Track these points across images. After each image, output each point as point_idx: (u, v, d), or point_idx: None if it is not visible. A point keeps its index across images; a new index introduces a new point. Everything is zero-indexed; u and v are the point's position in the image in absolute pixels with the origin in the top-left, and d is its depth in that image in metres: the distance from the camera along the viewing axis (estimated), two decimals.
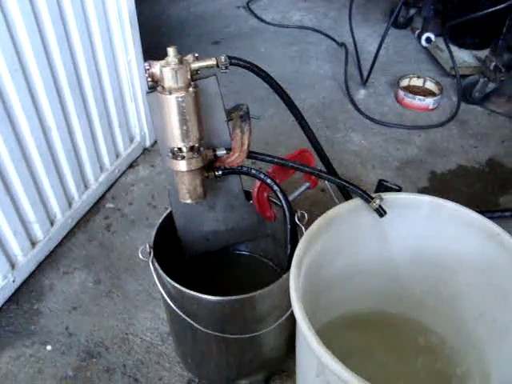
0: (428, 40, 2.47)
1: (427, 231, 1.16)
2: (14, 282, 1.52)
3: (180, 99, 0.93)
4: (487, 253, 1.07)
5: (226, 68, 0.98)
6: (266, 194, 1.18)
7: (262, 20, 3.12)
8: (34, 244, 1.59)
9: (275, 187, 1.10)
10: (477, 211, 1.09)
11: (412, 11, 2.87)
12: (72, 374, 1.37)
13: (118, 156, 1.94)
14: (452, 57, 2.40)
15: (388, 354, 1.26)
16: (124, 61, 1.80)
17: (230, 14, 3.21)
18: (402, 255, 1.22)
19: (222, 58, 0.97)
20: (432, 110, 2.34)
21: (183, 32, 3.01)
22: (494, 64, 2.20)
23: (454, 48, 2.51)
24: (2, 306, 1.51)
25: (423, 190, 1.89)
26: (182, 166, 0.99)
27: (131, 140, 2.01)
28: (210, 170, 1.08)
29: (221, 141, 1.09)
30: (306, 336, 0.83)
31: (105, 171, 1.88)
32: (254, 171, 1.10)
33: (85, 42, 1.59)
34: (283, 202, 1.11)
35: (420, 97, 2.32)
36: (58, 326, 1.48)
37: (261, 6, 3.30)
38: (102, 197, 1.88)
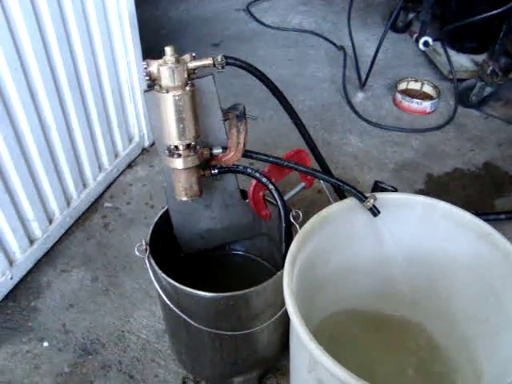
0: (426, 44, 2.48)
1: (421, 231, 1.17)
2: (11, 279, 1.53)
3: (177, 98, 0.94)
4: (480, 253, 1.08)
5: (223, 67, 1.00)
6: (261, 193, 1.19)
7: (262, 23, 3.13)
8: (32, 242, 1.61)
9: (270, 186, 1.12)
10: (472, 213, 1.10)
11: (411, 15, 2.89)
12: (68, 371, 1.38)
13: (116, 156, 1.96)
14: (449, 61, 2.41)
15: (380, 352, 1.27)
16: (124, 62, 1.82)
17: (230, 17, 3.23)
18: (395, 255, 1.23)
19: (219, 58, 0.99)
20: (429, 113, 2.35)
21: (183, 34, 3.03)
22: (491, 68, 2.22)
23: (451, 52, 2.53)
24: (0, 302, 1.52)
25: (419, 193, 1.91)
26: (178, 163, 1.01)
27: (130, 140, 2.03)
28: (207, 168, 1.09)
29: (217, 139, 1.10)
30: (298, 331, 0.85)
31: (103, 171, 1.89)
32: (249, 170, 1.11)
33: (85, 43, 1.60)
34: (278, 200, 1.13)
35: (417, 100, 2.33)
36: (55, 322, 1.49)
37: (261, 9, 3.32)
38: (101, 196, 1.89)
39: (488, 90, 2.30)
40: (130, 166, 2.04)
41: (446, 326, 1.23)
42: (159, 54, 0.98)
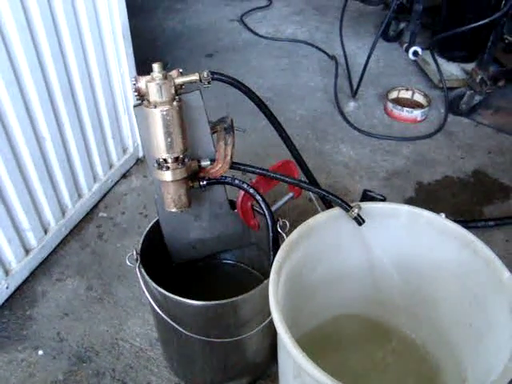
0: (415, 53, 2.52)
1: (406, 239, 1.20)
2: (7, 288, 1.56)
3: (164, 113, 0.98)
4: (462, 260, 1.11)
5: (209, 83, 1.03)
6: (249, 204, 1.22)
7: (256, 33, 3.18)
8: (27, 251, 1.63)
9: (257, 197, 1.15)
10: (461, 221, 1.12)
11: (402, 25, 2.93)
12: (62, 378, 1.40)
13: (111, 166, 1.99)
14: (439, 70, 2.45)
15: (367, 357, 1.30)
16: (117, 73, 1.85)
17: (223, 28, 3.27)
18: (382, 262, 1.26)
19: (205, 73, 1.02)
20: (420, 121, 2.39)
21: (178, 45, 3.07)
22: (480, 77, 2.26)
23: (442, 61, 2.57)
24: None
25: (410, 200, 1.94)
26: (167, 176, 1.04)
27: (124, 151, 2.06)
28: (195, 179, 1.13)
29: (205, 152, 1.13)
30: (283, 338, 0.87)
31: (98, 181, 1.92)
32: (237, 181, 1.14)
33: (78, 55, 1.64)
34: (265, 210, 1.16)
35: (408, 109, 2.37)
36: (50, 331, 1.52)
37: (254, 19, 3.36)
38: (95, 206, 1.92)
39: (477, 98, 2.33)
40: (124, 176, 2.06)
41: (432, 331, 1.26)
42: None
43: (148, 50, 2.81)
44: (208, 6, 3.55)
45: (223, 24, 3.31)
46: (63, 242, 1.78)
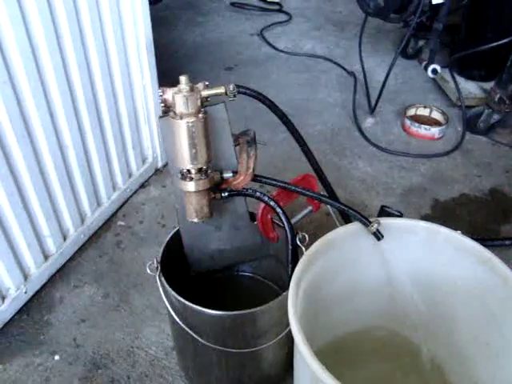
0: (434, 71, 2.53)
1: (424, 255, 1.20)
2: (25, 293, 1.58)
3: (190, 124, 1.00)
4: (480, 277, 1.11)
5: (234, 96, 1.05)
6: (269, 216, 1.23)
7: (275, 48, 3.20)
8: (46, 257, 1.66)
9: (278, 209, 1.16)
10: (477, 238, 1.13)
11: (421, 43, 2.94)
12: None
13: (130, 176, 2.01)
14: (458, 88, 2.46)
15: (383, 372, 1.30)
16: (140, 85, 1.88)
17: (243, 41, 3.31)
18: (399, 278, 1.26)
19: (231, 87, 1.04)
20: (437, 139, 2.39)
21: (197, 57, 3.10)
22: (498, 96, 2.26)
23: (460, 79, 2.58)
24: (14, 316, 1.57)
25: (426, 217, 1.94)
26: (190, 186, 1.06)
27: (144, 161, 2.08)
28: (217, 191, 1.14)
29: (228, 164, 1.15)
30: (301, 350, 0.88)
31: (117, 190, 1.95)
32: (258, 194, 1.16)
33: (103, 65, 1.67)
34: (285, 223, 1.17)
35: (426, 126, 2.38)
36: (67, 337, 1.53)
37: (274, 34, 3.39)
38: (114, 214, 1.95)
39: (495, 117, 2.33)
40: (143, 185, 2.09)
41: (448, 348, 1.26)
42: (174, 77, 1.02)
43: (168, 62, 2.84)
44: (228, 19, 3.58)
45: (243, 38, 3.34)
46: (81, 249, 1.80)
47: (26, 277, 1.58)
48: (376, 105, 2.53)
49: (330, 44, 3.28)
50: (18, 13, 1.29)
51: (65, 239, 1.72)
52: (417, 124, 2.39)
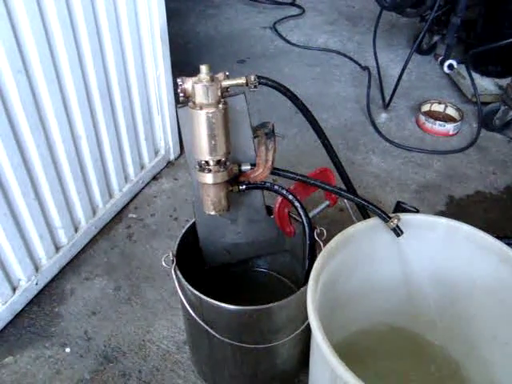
0: (450, 67, 2.50)
1: (443, 252, 1.19)
2: (37, 284, 1.57)
3: (210, 115, 0.98)
4: (501, 276, 1.09)
5: (255, 87, 1.03)
6: (286, 210, 1.21)
7: (288, 41, 3.17)
8: (58, 249, 1.64)
9: (296, 203, 1.14)
10: (500, 237, 1.10)
11: (435, 38, 2.91)
12: (89, 377, 1.40)
13: (142, 168, 1.99)
14: (473, 84, 2.42)
15: (400, 370, 1.28)
16: (153, 76, 1.86)
17: (256, 34, 3.28)
18: (417, 275, 1.24)
19: (252, 77, 1.02)
20: (452, 135, 2.36)
21: (210, 49, 3.08)
22: None
23: (476, 75, 2.54)
24: (25, 307, 1.56)
25: (440, 214, 1.91)
26: (208, 178, 1.04)
27: (156, 153, 2.06)
28: (235, 183, 1.12)
29: (246, 156, 1.13)
30: (321, 347, 0.86)
31: (129, 182, 1.93)
32: (276, 187, 1.14)
33: (118, 57, 1.65)
34: (303, 217, 1.15)
35: (441, 122, 2.35)
36: (78, 329, 1.52)
37: (287, 27, 3.36)
38: (126, 207, 1.93)
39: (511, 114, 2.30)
40: (155, 178, 2.07)
41: (466, 347, 1.24)
42: (186, 68, 1.00)
43: (180, 54, 2.82)
44: (241, 12, 3.56)
45: (255, 31, 3.32)
46: (93, 241, 1.79)
47: (37, 268, 1.57)
48: (390, 100, 2.50)
49: (343, 38, 3.25)
50: (33, 1, 1.28)
51: (76, 231, 1.71)
52: (431, 120, 2.36)
